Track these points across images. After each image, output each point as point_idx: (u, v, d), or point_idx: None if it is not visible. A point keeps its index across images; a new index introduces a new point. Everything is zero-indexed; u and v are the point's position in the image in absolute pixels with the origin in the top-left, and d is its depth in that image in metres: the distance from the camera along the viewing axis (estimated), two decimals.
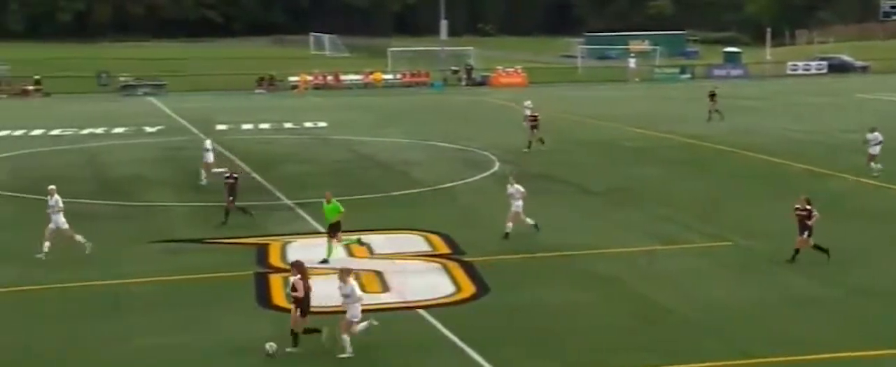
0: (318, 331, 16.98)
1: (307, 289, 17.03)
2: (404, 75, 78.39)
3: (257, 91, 72.03)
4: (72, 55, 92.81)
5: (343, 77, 76.78)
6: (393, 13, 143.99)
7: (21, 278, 21.29)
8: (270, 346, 16.65)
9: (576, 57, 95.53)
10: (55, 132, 47.11)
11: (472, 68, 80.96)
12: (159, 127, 49.48)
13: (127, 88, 69.63)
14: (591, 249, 24.02)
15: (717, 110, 49.72)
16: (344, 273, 17.16)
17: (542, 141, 40.08)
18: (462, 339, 17.53)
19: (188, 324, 18.40)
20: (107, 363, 16.50)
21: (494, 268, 22.22)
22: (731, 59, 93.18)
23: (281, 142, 44.56)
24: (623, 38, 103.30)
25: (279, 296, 20.20)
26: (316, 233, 25.83)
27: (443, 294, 20.49)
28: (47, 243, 22.74)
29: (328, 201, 23.08)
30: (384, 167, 37.33)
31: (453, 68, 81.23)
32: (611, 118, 52.71)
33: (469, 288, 20.91)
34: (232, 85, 73.00)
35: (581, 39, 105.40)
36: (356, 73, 78.54)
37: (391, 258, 23.10)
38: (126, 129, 48.53)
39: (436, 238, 25.02)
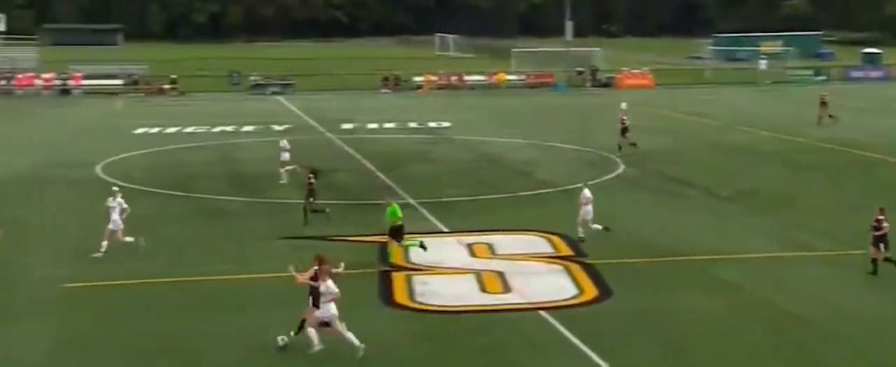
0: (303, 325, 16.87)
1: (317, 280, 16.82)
2: (528, 76, 78.13)
3: (382, 91, 72.92)
4: (206, 55, 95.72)
5: (467, 77, 77.01)
6: (518, 14, 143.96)
7: (169, 270, 22.08)
8: (282, 339, 16.85)
9: (704, 58, 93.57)
10: (189, 130, 48.64)
11: (596, 70, 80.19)
12: (287, 125, 50.56)
13: (256, 88, 71.36)
14: (718, 254, 23.53)
15: (830, 116, 48.35)
16: (324, 272, 16.96)
17: (633, 145, 39.46)
18: (584, 342, 17.40)
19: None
20: (237, 356, 16.92)
21: (617, 271, 21.98)
22: (871, 60, 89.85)
23: (405, 141, 45.02)
24: (754, 39, 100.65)
25: (402, 294, 20.42)
26: (439, 232, 26.03)
27: (565, 296, 20.37)
28: (106, 243, 23.25)
29: (388, 205, 23.09)
30: (507, 168, 37.33)
31: (578, 69, 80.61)
32: (740, 121, 51.51)
33: (591, 291, 20.74)
34: (358, 84, 74.10)
35: (710, 41, 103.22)
36: (480, 73, 78.65)
37: (513, 259, 23.07)
38: (255, 127, 49.76)
39: (558, 240, 24.89)
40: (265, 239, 25.05)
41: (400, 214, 22.98)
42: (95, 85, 70.32)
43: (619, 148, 39.52)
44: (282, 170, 32.78)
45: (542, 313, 19.12)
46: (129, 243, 23.26)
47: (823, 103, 49.35)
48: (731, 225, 27.16)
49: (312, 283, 16.60)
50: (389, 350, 17.13)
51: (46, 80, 69.00)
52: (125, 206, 23.64)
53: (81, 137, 45.10)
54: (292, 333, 16.88)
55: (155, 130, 48.52)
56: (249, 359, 16.83)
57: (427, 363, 16.76)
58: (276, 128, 49.56)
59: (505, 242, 24.67)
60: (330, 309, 16.68)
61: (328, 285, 16.71)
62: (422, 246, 23.05)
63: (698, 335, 17.82)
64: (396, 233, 22.91)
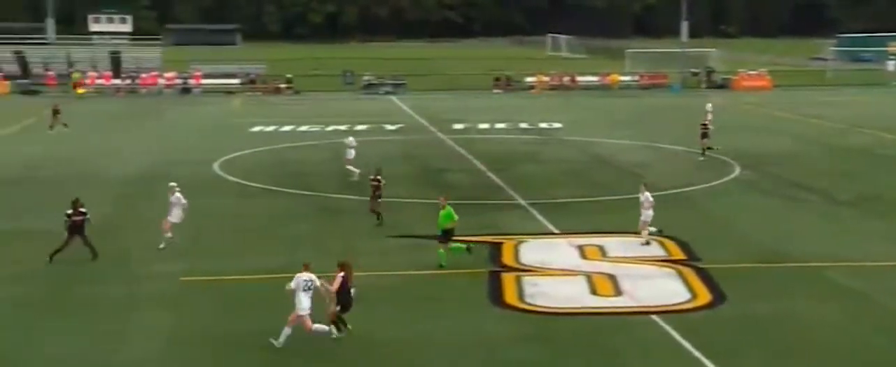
0: (344, 325, 17.29)
1: (346, 287, 17.25)
2: (642, 77, 77.14)
3: (494, 91, 72.93)
4: (321, 55, 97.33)
5: (579, 78, 76.47)
6: (632, 14, 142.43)
7: (281, 266, 22.46)
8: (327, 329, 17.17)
9: (826, 59, 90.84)
10: (303, 128, 49.48)
11: (712, 70, 78.62)
12: (399, 125, 51.02)
13: (369, 87, 72.20)
14: (836, 260, 22.79)
15: None
16: (305, 267, 17.37)
17: (709, 148, 38.56)
18: (697, 347, 17.05)
19: (422, 319, 18.82)
20: (348, 353, 17.09)
21: (732, 276, 21.47)
22: None
23: (516, 142, 44.91)
24: (881, 39, 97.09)
25: (512, 295, 20.35)
26: (549, 234, 25.88)
27: (677, 300, 20.00)
28: (169, 235, 23.93)
29: (443, 207, 22.71)
30: (618, 169, 36.89)
31: (693, 70, 79.18)
32: (862, 123, 49.83)
33: (705, 295, 20.31)
34: (470, 85, 74.30)
35: (833, 41, 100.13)
36: (592, 74, 78.03)
37: (624, 262, 22.76)
38: (368, 126, 50.32)
39: (670, 243, 24.46)
40: (375, 237, 25.29)
41: (455, 217, 22.60)
42: (214, 84, 72.24)
43: (703, 152, 38.49)
44: (348, 167, 33.54)
45: (653, 317, 18.82)
46: (169, 238, 23.80)
47: None
48: (850, 230, 26.31)
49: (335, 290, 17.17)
50: (498, 351, 17.08)
51: (169, 79, 71.15)
52: (184, 201, 24.22)
53: (200, 135, 46.33)
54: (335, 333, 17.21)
55: (270, 128, 49.51)
56: (361, 354, 16.97)
57: (536, 365, 16.65)
58: (388, 127, 50.06)
59: (616, 244, 24.36)
60: (306, 302, 17.10)
61: (299, 280, 17.17)
62: (468, 250, 22.69)
63: (814, 344, 17.28)
64: (446, 235, 22.58)
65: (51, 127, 46.58)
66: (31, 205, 29.67)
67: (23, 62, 74.92)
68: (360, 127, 49.98)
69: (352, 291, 17.50)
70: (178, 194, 24.27)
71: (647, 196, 24.56)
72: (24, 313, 19.11)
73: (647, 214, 24.38)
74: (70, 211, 22.62)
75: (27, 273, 21.89)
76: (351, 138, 34.71)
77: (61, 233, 22.59)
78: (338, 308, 17.34)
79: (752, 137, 45.02)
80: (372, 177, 27.45)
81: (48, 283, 21.20)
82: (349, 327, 17.45)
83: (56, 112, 47.32)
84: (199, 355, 16.97)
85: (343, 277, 17.30)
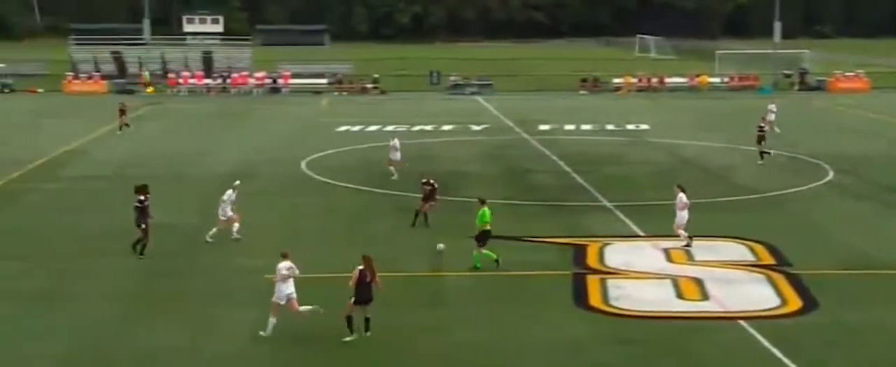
0: (366, 327, 17.28)
1: (363, 281, 17.34)
2: (732, 79, 75.74)
3: (580, 92, 72.42)
4: (407, 55, 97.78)
5: (667, 79, 75.42)
6: (722, 14, 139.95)
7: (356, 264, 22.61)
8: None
9: None
10: (389, 128, 49.74)
11: (806, 72, 76.79)
12: (485, 125, 50.94)
13: (455, 87, 72.25)
14: None
15: None
16: (283, 256, 17.85)
17: (766, 153, 37.23)
18: (786, 355, 16.65)
19: (504, 321, 18.72)
20: (428, 353, 17.11)
21: (823, 283, 20.93)
22: None
23: (602, 143, 44.47)
24: None
25: (596, 297, 20.12)
26: (635, 236, 25.55)
27: (766, 306, 19.55)
28: (237, 226, 24.93)
29: (480, 207, 22.44)
30: (706, 172, 36.25)
31: (785, 72, 77.43)
32: None
33: (795, 302, 19.82)
34: (556, 85, 73.86)
35: None
36: (681, 75, 76.90)
37: (712, 266, 22.34)
38: (453, 126, 50.36)
39: (760, 248, 23.94)
40: (455, 237, 25.21)
41: (488, 218, 22.30)
42: (302, 84, 73.16)
43: (762, 156, 37.28)
44: (390, 167, 33.87)
45: (741, 322, 18.42)
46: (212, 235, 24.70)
47: None
48: None
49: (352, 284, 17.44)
50: (581, 353, 16.93)
51: (258, 78, 72.28)
52: (233, 198, 25.08)
53: (288, 135, 46.91)
54: (353, 335, 17.20)
55: (356, 128, 49.88)
56: (446, 354, 16.97)
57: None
58: (474, 128, 50.01)
59: (703, 248, 23.91)
60: (284, 289, 17.55)
61: (281, 267, 17.63)
62: (496, 261, 22.06)
63: None
64: (482, 237, 22.29)
65: (120, 128, 46.53)
66: (123, 203, 30.37)
67: (120, 62, 76.92)
68: (445, 127, 50.08)
69: (373, 285, 17.51)
70: (230, 193, 25.20)
71: (681, 197, 24.10)
72: (117, 306, 19.57)
73: (682, 215, 23.96)
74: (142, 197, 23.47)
75: (120, 268, 22.40)
76: (396, 140, 34.87)
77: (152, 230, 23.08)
78: (352, 300, 17.45)
79: (846, 139, 43.82)
80: (424, 181, 27.03)
81: (138, 278, 21.67)
82: (367, 332, 17.31)
83: (122, 112, 47.02)
84: (281, 351, 17.14)
85: (361, 270, 17.45)
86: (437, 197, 26.80)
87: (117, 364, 16.56)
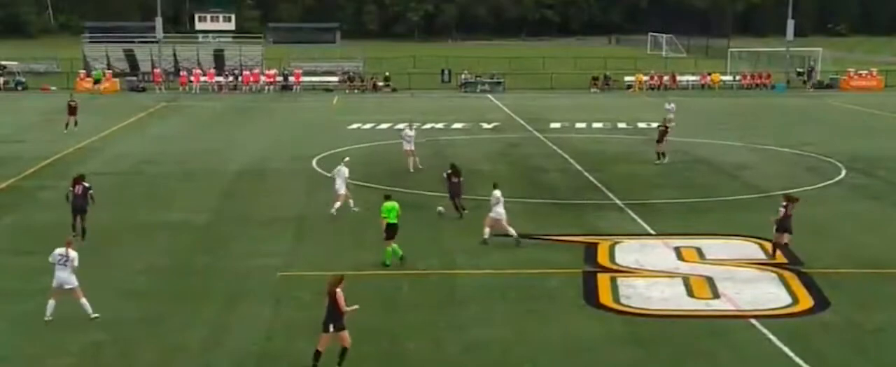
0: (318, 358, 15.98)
1: (331, 303, 15.81)
2: (744, 77, 75.62)
3: (592, 90, 72.39)
4: (419, 53, 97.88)
5: (679, 78, 75.35)
6: (734, 13, 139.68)
7: (376, 263, 22.71)
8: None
9: None
10: (400, 126, 49.75)
11: (812, 70, 76.53)
12: (495, 123, 50.97)
13: (466, 85, 72.33)
14: None
15: None
16: (68, 243, 18.27)
17: (662, 155, 36.78)
18: (798, 354, 16.65)
19: (518, 319, 18.76)
20: (442, 351, 17.15)
21: (836, 282, 20.91)
22: None
23: (613, 142, 44.44)
24: None
25: (606, 296, 20.15)
26: (646, 235, 25.55)
27: (777, 305, 19.54)
28: (351, 201, 27.49)
29: (386, 201, 22.89)
30: (718, 170, 36.21)
31: (798, 70, 77.27)
32: None
33: (806, 301, 19.81)
34: (567, 84, 73.84)
35: None
36: (693, 74, 76.81)
37: (723, 265, 22.33)
38: (464, 124, 50.40)
39: (771, 246, 23.87)
40: (467, 235, 25.26)
41: (391, 213, 22.56)
42: (313, 81, 73.30)
43: (659, 157, 36.84)
44: (410, 159, 34.85)
45: (752, 321, 18.42)
46: (338, 208, 26.81)
47: None
48: None
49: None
50: (592, 352, 16.94)
51: (270, 76, 72.44)
52: (345, 174, 27.42)
53: (299, 132, 47.03)
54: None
55: (368, 126, 49.96)
56: (463, 353, 17.02)
57: (634, 366, 16.45)
58: (485, 126, 50.04)
59: (714, 246, 23.93)
60: (62, 277, 17.93)
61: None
62: (401, 259, 22.28)
63: None
64: (389, 232, 22.49)
65: (66, 126, 45.30)
66: (138, 200, 30.55)
67: (132, 60, 77.18)
68: (457, 125, 50.12)
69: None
70: (342, 168, 27.61)
71: (495, 194, 24.46)
72: (135, 302, 19.72)
73: (498, 211, 24.17)
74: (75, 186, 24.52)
75: (135, 265, 22.54)
76: (409, 129, 35.78)
77: (176, 226, 23.20)
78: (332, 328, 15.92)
79: (858, 139, 43.71)
80: (448, 173, 27.70)
81: (153, 274, 21.79)
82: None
83: (72, 109, 45.70)
84: (299, 347, 17.21)
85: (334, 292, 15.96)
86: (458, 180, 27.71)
87: (137, 360, 16.66)
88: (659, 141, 37.32)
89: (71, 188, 24.66)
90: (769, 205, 29.56)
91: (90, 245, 24.20)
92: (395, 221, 22.59)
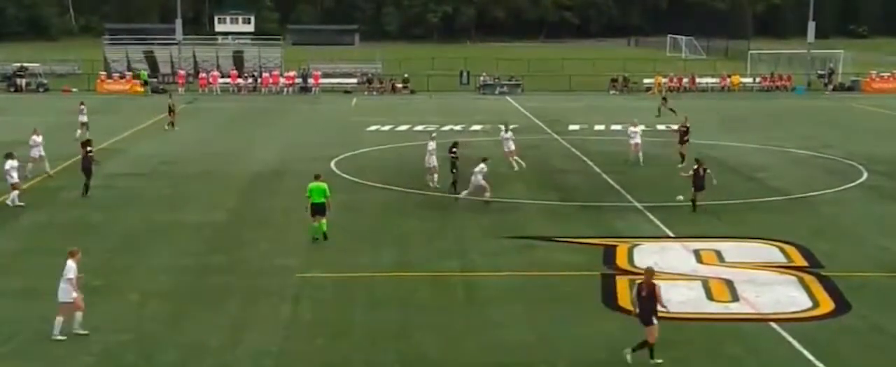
0: None
1: (650, 296, 16.30)
2: (764, 79, 75.26)
3: (610, 92, 72.23)
4: (437, 55, 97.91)
5: (699, 80, 75.06)
6: (755, 14, 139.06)
7: (394, 264, 22.77)
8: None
9: None
10: (419, 127, 49.84)
11: (831, 72, 76.07)
12: (514, 125, 50.82)
13: (485, 87, 72.28)
14: None
15: None
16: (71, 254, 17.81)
17: (683, 157, 36.04)
18: (818, 357, 16.58)
19: (537, 320, 18.75)
20: (465, 352, 17.17)
21: (857, 285, 20.80)
22: None
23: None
24: None
25: (624, 298, 20.11)
26: (665, 237, 25.49)
27: (798, 308, 19.46)
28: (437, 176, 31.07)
29: (316, 179, 24.62)
30: (737, 173, 36.05)
31: (819, 72, 76.84)
32: None
33: (827, 304, 19.72)
34: (586, 86, 73.71)
35: None
36: (712, 76, 76.51)
37: (742, 268, 22.25)
38: (483, 126, 50.37)
39: (792, 249, 23.82)
40: (489, 237, 25.30)
41: (316, 195, 24.32)
42: (332, 83, 73.45)
43: (682, 159, 35.64)
44: (511, 159, 35.83)
45: (772, 324, 18.35)
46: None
47: None
48: None
49: None
50: (611, 354, 16.90)
51: (289, 78, 72.63)
52: (432, 148, 31.63)
53: (318, 134, 47.12)
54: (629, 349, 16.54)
55: (387, 127, 50.02)
56: (485, 354, 17.02)
57: None
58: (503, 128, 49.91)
59: (734, 249, 23.84)
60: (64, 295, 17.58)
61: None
62: (324, 236, 24.35)
63: None
64: (314, 210, 24.37)
65: (171, 125, 48.00)
66: (160, 200, 30.72)
67: (152, 62, 77.58)
68: (475, 127, 50.11)
69: None
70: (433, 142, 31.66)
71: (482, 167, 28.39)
72: (156, 302, 19.88)
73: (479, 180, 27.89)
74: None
75: (157, 264, 22.68)
76: (505, 133, 36.85)
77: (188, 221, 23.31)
78: None
79: (880, 141, 43.43)
80: (451, 149, 31.15)
81: (174, 273, 21.92)
82: None
83: (171, 110, 48.67)
84: (314, 347, 17.29)
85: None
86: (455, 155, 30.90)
87: (160, 358, 16.77)
88: (680, 142, 37.14)
89: (82, 151, 30.68)
90: (789, 208, 29.47)
91: (112, 246, 24.43)
92: (319, 200, 24.38)
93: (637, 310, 16.45)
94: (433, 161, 32.15)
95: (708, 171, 28.16)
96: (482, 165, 28.77)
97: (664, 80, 73.45)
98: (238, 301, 19.86)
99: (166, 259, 23.12)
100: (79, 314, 17.72)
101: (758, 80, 75.23)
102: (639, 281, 16.93)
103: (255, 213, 28.67)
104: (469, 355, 16.99)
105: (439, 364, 16.68)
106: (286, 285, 20.94)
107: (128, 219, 27.53)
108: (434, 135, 35.67)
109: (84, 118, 45.36)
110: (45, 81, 71.86)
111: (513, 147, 36.41)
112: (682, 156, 36.47)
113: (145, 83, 70.27)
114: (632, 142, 37.39)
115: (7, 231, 26.16)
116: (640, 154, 36.92)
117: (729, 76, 74.84)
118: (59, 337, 17.36)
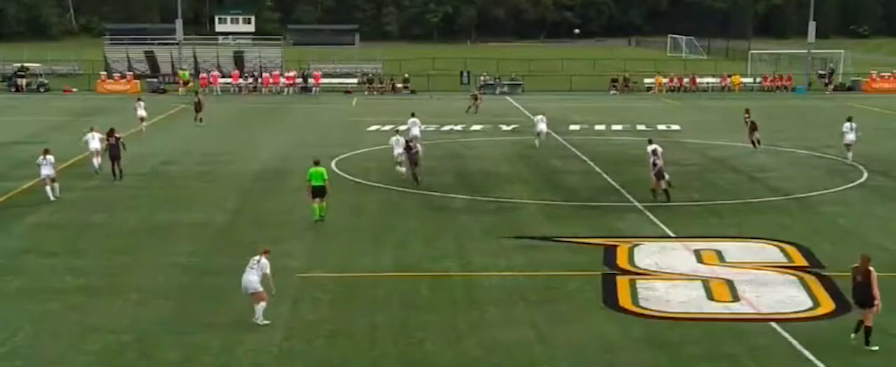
0: None
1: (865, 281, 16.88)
2: (765, 79, 75.25)
3: (611, 92, 72.22)
4: (437, 55, 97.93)
5: (699, 80, 75.06)
6: (755, 14, 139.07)
7: (394, 265, 22.75)
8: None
9: None
10: (422, 128, 49.75)
11: (831, 72, 76.03)
12: (514, 125, 50.92)
13: (486, 87, 72.28)
14: None
15: None
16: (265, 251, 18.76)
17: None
18: (819, 357, 16.58)
19: (537, 320, 18.74)
20: (465, 352, 17.16)
21: None
22: None
23: (632, 144, 44.27)
24: None
25: (625, 298, 20.11)
26: (665, 237, 25.47)
27: (798, 309, 19.44)
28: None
29: (316, 165, 26.00)
30: (738, 173, 36.06)
31: (820, 72, 76.82)
32: None
33: (828, 304, 19.71)
34: (586, 86, 73.71)
35: None
36: (713, 76, 76.52)
37: (743, 268, 22.24)
38: (483, 126, 50.38)
39: (792, 249, 23.82)
40: (489, 238, 25.29)
41: (316, 178, 26.10)
42: (332, 83, 73.44)
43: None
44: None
45: (773, 324, 18.33)
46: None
47: None
48: None
49: None
50: (611, 354, 16.91)
51: (289, 78, 72.63)
52: (401, 141, 32.84)
53: (319, 134, 47.12)
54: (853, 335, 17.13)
55: (387, 127, 49.97)
56: (486, 354, 17.00)
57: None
58: (504, 128, 50.00)
59: (734, 249, 23.84)
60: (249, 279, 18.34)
61: None
62: (322, 218, 26.21)
63: None
64: (315, 193, 26.21)
65: (199, 120, 50.40)
66: (160, 200, 30.70)
67: (152, 62, 77.58)
68: (475, 127, 50.10)
69: None
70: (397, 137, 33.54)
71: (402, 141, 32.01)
72: (157, 302, 19.86)
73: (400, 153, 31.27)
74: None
75: (157, 265, 22.67)
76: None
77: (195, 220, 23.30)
78: None
79: (881, 141, 43.39)
80: (408, 145, 32.77)
81: (174, 274, 21.91)
82: None
83: (198, 105, 51.11)
84: (314, 347, 17.28)
85: None
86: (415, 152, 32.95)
87: (160, 358, 16.76)
88: (751, 132, 41.10)
89: (107, 140, 33.13)
90: (790, 208, 29.46)
91: (112, 246, 24.41)
92: (319, 183, 26.12)
93: (853, 296, 17.15)
94: (399, 151, 34.67)
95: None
96: (398, 137, 33.95)
97: (664, 80, 73.47)
98: (239, 301, 19.82)
99: (166, 259, 23.11)
100: (263, 305, 18.26)
101: (758, 80, 75.22)
102: (855, 264, 17.28)
103: (256, 213, 28.66)
104: (469, 355, 16.98)
105: (439, 364, 16.67)
106: (286, 286, 20.89)
107: (128, 219, 27.51)
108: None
109: (143, 112, 46.44)
110: (45, 81, 71.87)
111: (544, 128, 41.94)
112: (756, 142, 40.65)
113: (186, 83, 70.14)
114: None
115: (7, 231, 26.15)
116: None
117: (729, 76, 74.85)
118: (265, 321, 18.20)
